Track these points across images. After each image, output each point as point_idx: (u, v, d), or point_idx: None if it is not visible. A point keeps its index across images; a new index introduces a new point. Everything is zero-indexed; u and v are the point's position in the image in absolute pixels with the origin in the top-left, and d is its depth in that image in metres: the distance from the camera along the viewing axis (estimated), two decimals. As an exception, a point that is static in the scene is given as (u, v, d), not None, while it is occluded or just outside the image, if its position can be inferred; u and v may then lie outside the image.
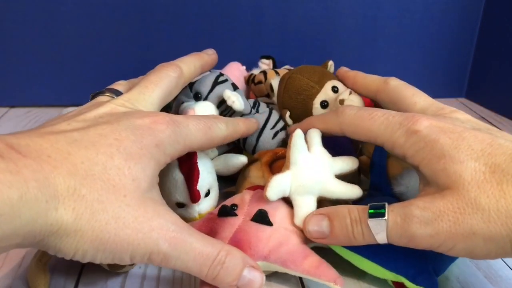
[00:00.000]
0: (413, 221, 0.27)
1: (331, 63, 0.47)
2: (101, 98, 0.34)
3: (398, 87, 0.37)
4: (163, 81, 0.35)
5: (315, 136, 0.36)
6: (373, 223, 0.29)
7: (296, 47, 0.76)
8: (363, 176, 0.44)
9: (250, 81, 0.59)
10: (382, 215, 0.28)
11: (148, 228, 0.26)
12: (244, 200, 0.36)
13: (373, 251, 0.32)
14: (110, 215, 0.25)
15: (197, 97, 0.43)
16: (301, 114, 0.43)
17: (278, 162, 0.41)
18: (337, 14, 0.74)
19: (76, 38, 0.72)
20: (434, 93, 0.37)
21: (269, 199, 0.33)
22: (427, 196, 0.28)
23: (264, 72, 0.56)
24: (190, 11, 0.72)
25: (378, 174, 0.39)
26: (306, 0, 0.73)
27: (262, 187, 0.38)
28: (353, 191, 0.35)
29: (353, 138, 0.34)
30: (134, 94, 0.33)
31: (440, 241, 0.26)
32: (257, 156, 0.43)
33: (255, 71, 0.67)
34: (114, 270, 0.34)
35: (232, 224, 0.34)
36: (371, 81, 0.40)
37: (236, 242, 0.33)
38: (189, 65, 0.39)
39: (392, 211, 0.28)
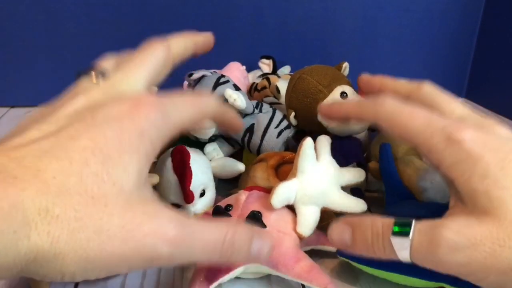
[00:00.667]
0: (442, 245, 0.24)
1: (345, 65, 0.45)
2: (83, 83, 0.31)
3: (433, 92, 0.34)
4: (149, 59, 0.32)
5: (325, 145, 0.36)
6: (397, 241, 0.26)
7: (296, 47, 0.76)
8: (372, 177, 0.43)
9: (253, 89, 0.59)
10: (407, 234, 0.26)
11: (140, 235, 0.23)
12: (239, 200, 0.36)
13: (407, 265, 0.31)
14: (91, 230, 0.22)
15: None
16: (306, 116, 0.43)
17: (284, 166, 0.41)
18: (337, 14, 0.74)
19: (76, 38, 0.72)
20: (434, 93, 0.37)
21: (273, 207, 0.33)
22: (460, 216, 0.26)
23: (267, 78, 0.56)
24: (190, 11, 0.72)
25: (392, 182, 0.39)
26: (306, 0, 0.73)
27: (259, 188, 0.38)
28: (357, 205, 0.35)
29: (387, 132, 0.31)
30: (117, 76, 0.30)
31: (471, 271, 0.24)
32: (263, 157, 0.42)
33: (254, 75, 0.68)
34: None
35: None
36: (400, 85, 0.36)
37: None
38: (178, 43, 0.35)
39: (419, 231, 0.26)
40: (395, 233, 0.26)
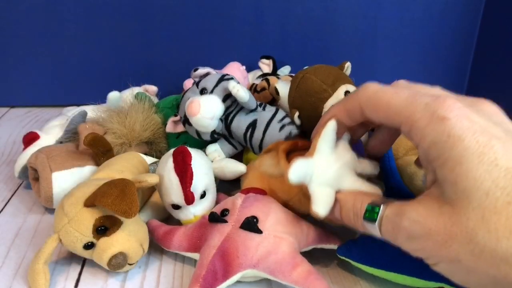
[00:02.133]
0: (400, 233, 0.26)
1: (348, 65, 0.45)
2: None
3: (409, 83, 0.31)
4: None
5: (345, 134, 0.35)
6: (367, 224, 0.28)
7: (296, 47, 0.76)
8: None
9: (252, 90, 0.58)
10: (374, 220, 0.28)
11: None
12: (235, 204, 0.36)
13: (408, 265, 0.32)
14: None
15: (203, 93, 0.44)
16: (310, 115, 0.42)
17: (296, 153, 0.39)
18: (337, 14, 0.74)
19: (76, 38, 0.72)
20: (434, 93, 0.36)
21: (290, 181, 0.31)
22: (426, 202, 0.25)
23: (266, 79, 0.56)
24: (190, 11, 0.72)
25: (392, 182, 0.39)
26: (306, 0, 0.73)
27: (255, 190, 0.38)
28: (372, 191, 0.33)
29: (371, 118, 0.30)
30: None
31: (426, 255, 0.25)
32: (272, 147, 0.41)
33: (254, 75, 0.68)
34: (115, 270, 0.34)
35: (221, 232, 0.34)
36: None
37: (224, 251, 0.32)
38: None
39: (386, 217, 0.27)
40: (365, 218, 0.28)
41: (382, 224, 0.27)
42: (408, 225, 0.25)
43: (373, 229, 0.28)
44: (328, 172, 0.32)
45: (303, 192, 0.35)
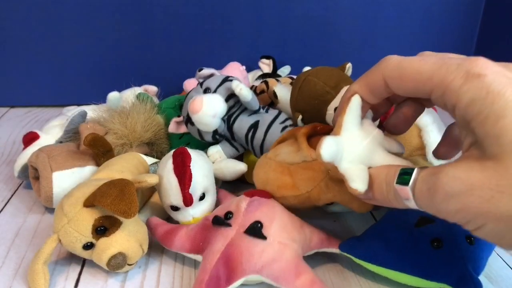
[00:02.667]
0: (438, 192, 0.24)
1: (349, 65, 0.45)
2: None
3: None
4: None
5: (368, 112, 0.34)
6: (400, 189, 0.26)
7: (296, 47, 0.76)
8: None
9: None
10: (406, 182, 0.25)
11: None
12: (239, 208, 0.35)
13: (410, 264, 0.32)
14: None
15: (206, 92, 0.44)
16: (314, 118, 0.42)
17: (316, 137, 0.38)
18: (337, 14, 0.74)
19: (76, 38, 0.72)
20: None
21: (323, 159, 0.29)
22: (465, 162, 0.24)
23: (265, 82, 0.56)
24: (190, 11, 0.72)
25: None
26: (306, 0, 0.73)
27: (260, 193, 0.37)
28: (406, 164, 0.31)
29: (397, 91, 0.29)
30: None
31: (468, 218, 0.23)
32: (287, 135, 0.40)
33: (254, 75, 0.68)
34: (114, 270, 0.34)
35: (225, 236, 0.34)
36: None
37: (228, 256, 0.32)
38: None
39: (421, 178, 0.25)
40: (397, 181, 0.26)
41: (416, 186, 0.25)
42: (447, 181, 0.23)
43: (406, 194, 0.26)
44: (358, 149, 0.31)
45: (330, 176, 0.34)
